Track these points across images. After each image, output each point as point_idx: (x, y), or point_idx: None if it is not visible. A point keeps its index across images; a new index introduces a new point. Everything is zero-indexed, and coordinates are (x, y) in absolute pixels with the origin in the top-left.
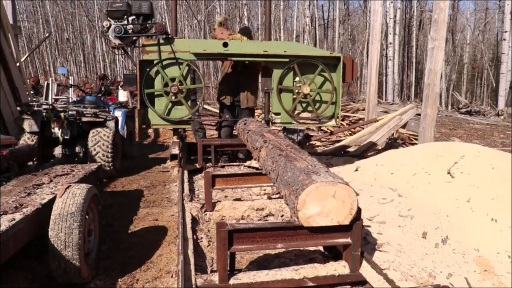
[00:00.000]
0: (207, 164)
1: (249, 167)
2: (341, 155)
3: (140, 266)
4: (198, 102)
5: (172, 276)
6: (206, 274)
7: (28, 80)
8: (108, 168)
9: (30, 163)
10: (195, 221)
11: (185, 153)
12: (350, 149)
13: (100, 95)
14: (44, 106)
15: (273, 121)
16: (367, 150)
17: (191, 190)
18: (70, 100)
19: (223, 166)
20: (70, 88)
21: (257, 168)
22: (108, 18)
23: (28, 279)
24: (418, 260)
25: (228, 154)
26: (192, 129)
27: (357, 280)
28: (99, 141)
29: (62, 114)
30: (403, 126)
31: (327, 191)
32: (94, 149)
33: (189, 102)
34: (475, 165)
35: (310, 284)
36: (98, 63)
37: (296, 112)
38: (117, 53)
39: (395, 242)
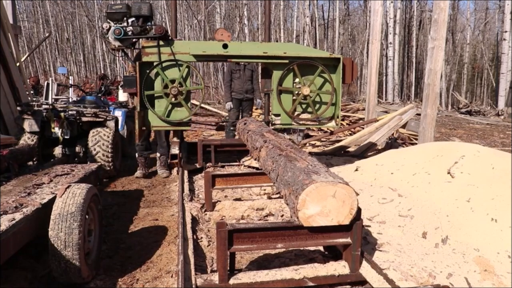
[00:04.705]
0: (207, 164)
1: (249, 167)
2: (341, 155)
3: (140, 266)
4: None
5: (172, 276)
6: (206, 274)
7: (28, 80)
8: (108, 168)
9: (30, 163)
10: (195, 221)
11: (185, 153)
12: (350, 149)
13: (100, 95)
14: (44, 106)
15: (273, 122)
16: (367, 150)
17: (191, 190)
18: (70, 100)
19: (223, 166)
20: (70, 88)
21: (257, 168)
22: (108, 20)
23: (28, 279)
24: (418, 260)
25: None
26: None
27: (357, 280)
28: (99, 141)
29: (62, 114)
30: (403, 126)
31: (327, 191)
32: (94, 149)
33: (189, 104)
34: (475, 165)
35: (310, 284)
36: (98, 63)
37: (296, 113)
38: (117, 55)
39: (395, 242)
